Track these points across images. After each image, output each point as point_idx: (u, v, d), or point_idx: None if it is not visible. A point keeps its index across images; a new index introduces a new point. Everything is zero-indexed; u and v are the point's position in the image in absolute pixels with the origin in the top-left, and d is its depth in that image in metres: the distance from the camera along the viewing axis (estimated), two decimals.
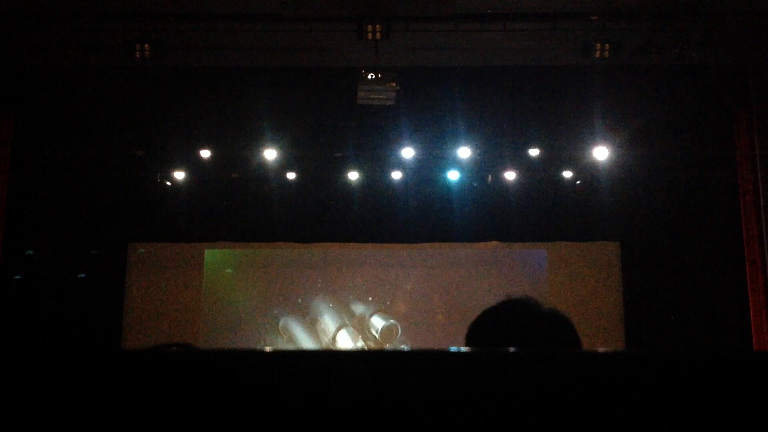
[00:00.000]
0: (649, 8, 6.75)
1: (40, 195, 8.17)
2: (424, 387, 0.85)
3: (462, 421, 0.84)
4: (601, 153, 7.93)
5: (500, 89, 7.83)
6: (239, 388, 0.86)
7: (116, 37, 6.78)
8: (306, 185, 8.53)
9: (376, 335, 8.92)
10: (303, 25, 6.92)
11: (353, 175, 8.46)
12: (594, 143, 7.91)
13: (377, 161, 8.42)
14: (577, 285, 8.78)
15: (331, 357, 0.90)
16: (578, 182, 8.49)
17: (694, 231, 8.22)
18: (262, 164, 8.24)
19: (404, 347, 8.81)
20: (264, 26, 6.94)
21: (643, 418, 0.85)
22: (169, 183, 8.52)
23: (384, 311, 8.97)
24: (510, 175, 8.41)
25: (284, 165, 8.32)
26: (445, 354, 0.91)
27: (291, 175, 8.45)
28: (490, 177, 8.52)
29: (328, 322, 8.97)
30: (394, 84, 6.92)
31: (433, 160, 8.38)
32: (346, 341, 8.89)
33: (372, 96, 7.04)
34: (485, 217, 8.68)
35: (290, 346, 8.80)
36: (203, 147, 8.14)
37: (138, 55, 6.71)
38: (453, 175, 8.43)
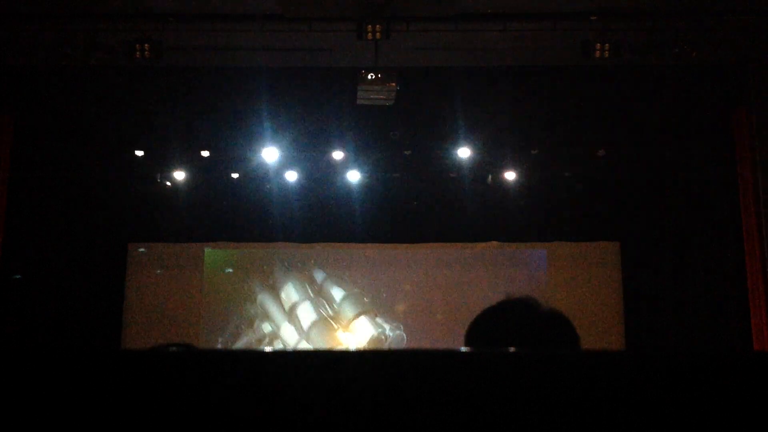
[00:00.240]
0: (649, 8, 6.75)
1: (40, 195, 8.16)
2: (424, 387, 0.85)
3: (462, 421, 0.84)
4: (599, 153, 7.91)
5: (500, 89, 7.81)
6: (239, 388, 0.86)
7: (116, 37, 6.78)
8: (306, 185, 8.53)
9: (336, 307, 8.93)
10: (303, 25, 6.91)
11: (353, 175, 8.46)
12: (592, 143, 7.90)
13: (377, 161, 8.43)
14: (577, 285, 8.78)
15: (331, 357, 0.90)
16: (578, 183, 8.50)
17: (694, 231, 8.22)
18: (262, 164, 8.25)
19: (399, 332, 8.84)
20: (264, 26, 6.94)
21: (643, 418, 0.85)
22: (169, 183, 8.52)
23: (384, 312, 8.97)
24: (510, 175, 8.41)
25: (284, 165, 8.33)
26: (445, 354, 0.91)
27: (291, 175, 8.45)
28: (489, 177, 8.52)
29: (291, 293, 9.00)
30: (393, 84, 6.91)
31: (433, 160, 8.38)
32: (307, 313, 8.91)
33: (372, 96, 7.03)
34: (485, 217, 8.69)
35: (266, 324, 8.82)
36: (203, 147, 8.15)
37: (138, 55, 6.70)
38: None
